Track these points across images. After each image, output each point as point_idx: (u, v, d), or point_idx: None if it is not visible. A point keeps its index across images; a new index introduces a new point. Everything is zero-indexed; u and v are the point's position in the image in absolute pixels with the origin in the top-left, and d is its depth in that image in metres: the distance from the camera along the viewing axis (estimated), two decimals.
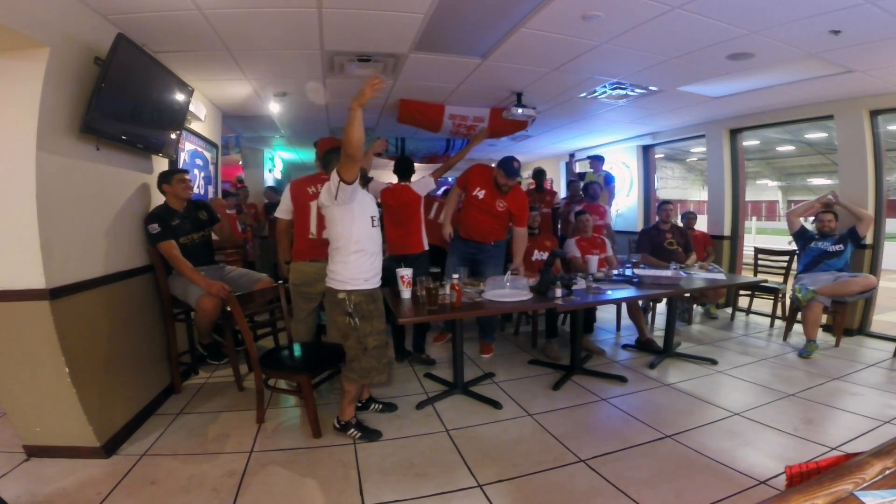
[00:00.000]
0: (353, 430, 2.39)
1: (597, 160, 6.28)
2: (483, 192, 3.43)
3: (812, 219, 4.24)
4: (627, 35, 2.76)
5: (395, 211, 3.36)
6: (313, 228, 2.78)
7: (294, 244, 2.88)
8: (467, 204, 3.54)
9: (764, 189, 22.97)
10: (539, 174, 5.90)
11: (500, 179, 3.33)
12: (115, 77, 2.26)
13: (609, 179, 6.18)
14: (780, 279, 4.71)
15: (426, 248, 3.40)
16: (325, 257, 2.37)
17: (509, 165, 3.29)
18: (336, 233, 2.21)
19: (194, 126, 3.86)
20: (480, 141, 3.66)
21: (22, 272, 1.96)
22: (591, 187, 5.40)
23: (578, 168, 7.75)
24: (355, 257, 2.21)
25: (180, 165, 3.48)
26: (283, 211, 2.88)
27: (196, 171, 3.94)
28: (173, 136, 3.07)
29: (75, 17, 2.17)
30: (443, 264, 3.82)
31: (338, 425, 2.42)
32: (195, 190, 3.63)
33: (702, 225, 5.24)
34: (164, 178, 2.86)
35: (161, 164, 3.11)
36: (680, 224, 4.78)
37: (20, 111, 1.93)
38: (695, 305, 4.84)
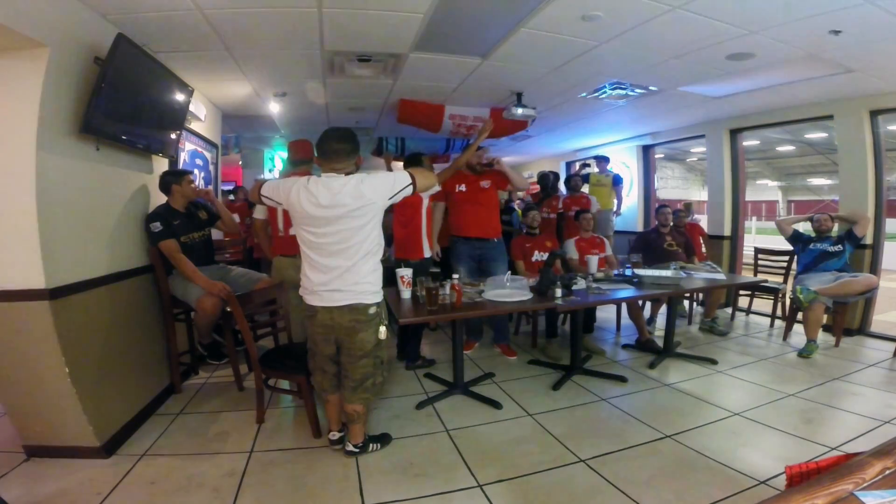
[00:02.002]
0: (371, 445, 2.25)
1: (602, 160, 6.25)
2: (463, 185, 3.52)
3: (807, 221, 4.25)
4: (627, 35, 2.75)
5: (400, 211, 3.34)
6: (281, 227, 3.00)
7: (272, 242, 3.15)
8: (455, 205, 3.55)
9: (764, 189, 22.97)
10: (544, 178, 5.82)
11: (471, 161, 3.50)
12: (115, 77, 2.26)
13: (618, 180, 6.14)
14: (780, 279, 4.71)
15: (427, 255, 3.35)
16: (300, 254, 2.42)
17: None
18: (373, 238, 1.93)
19: (194, 126, 3.86)
20: (484, 138, 3.62)
21: (22, 272, 1.96)
22: (571, 180, 5.37)
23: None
24: (380, 259, 2.03)
25: (180, 165, 3.49)
26: (260, 212, 3.18)
27: (196, 171, 3.94)
28: (173, 136, 3.07)
29: (75, 16, 2.17)
30: (444, 265, 3.80)
31: (355, 449, 2.19)
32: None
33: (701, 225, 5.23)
34: (175, 178, 2.86)
35: (161, 164, 3.12)
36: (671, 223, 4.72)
37: (20, 111, 1.92)
38: (696, 305, 4.84)
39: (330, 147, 1.89)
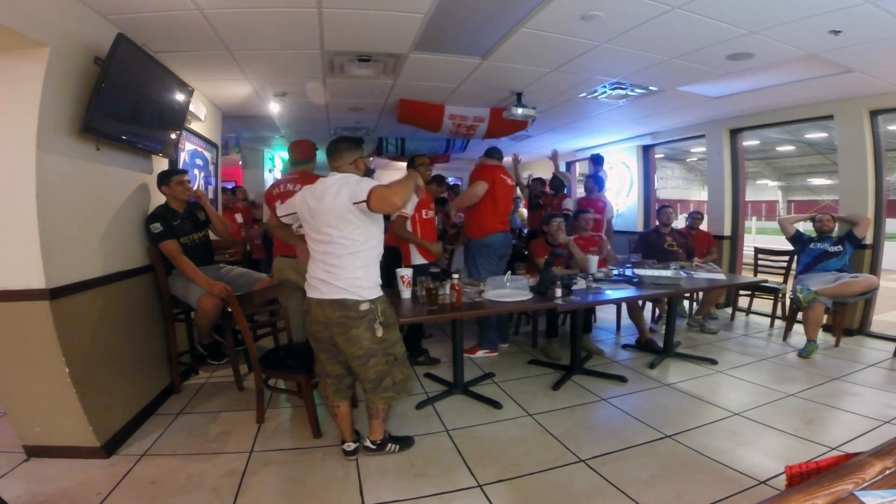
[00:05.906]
0: (390, 445, 2.23)
1: (596, 162, 6.20)
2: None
3: (808, 221, 4.26)
4: (627, 35, 2.76)
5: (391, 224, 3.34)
6: None
7: (274, 241, 3.20)
8: None
9: (764, 189, 23.00)
10: (555, 179, 5.66)
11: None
12: (115, 77, 2.26)
13: (598, 180, 6.03)
14: (780, 279, 4.71)
15: (416, 263, 3.29)
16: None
17: None
18: (365, 233, 1.93)
19: (194, 126, 3.86)
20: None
21: (22, 272, 1.96)
22: (586, 181, 5.38)
23: (578, 168, 7.74)
24: (377, 257, 2.02)
25: (180, 165, 3.48)
26: (265, 214, 3.35)
27: (196, 171, 3.93)
28: (173, 136, 3.07)
29: (75, 16, 2.17)
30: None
31: (372, 446, 2.19)
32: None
33: (702, 225, 5.21)
34: (162, 181, 2.86)
35: (161, 164, 3.11)
36: (682, 225, 4.75)
37: (20, 111, 1.93)
38: (695, 305, 4.83)
39: (331, 147, 2.06)
